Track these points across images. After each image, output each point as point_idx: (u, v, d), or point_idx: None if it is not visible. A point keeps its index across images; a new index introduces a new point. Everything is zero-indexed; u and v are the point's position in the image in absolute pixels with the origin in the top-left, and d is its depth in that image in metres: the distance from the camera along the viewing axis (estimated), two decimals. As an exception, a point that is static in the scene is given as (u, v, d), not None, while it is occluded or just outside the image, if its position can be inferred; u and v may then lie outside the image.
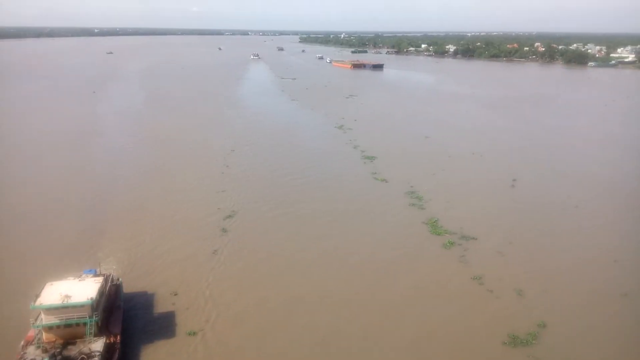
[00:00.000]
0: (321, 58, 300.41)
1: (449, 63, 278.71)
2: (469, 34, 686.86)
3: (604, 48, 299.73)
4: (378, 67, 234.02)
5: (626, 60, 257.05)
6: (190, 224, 46.05)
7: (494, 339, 29.50)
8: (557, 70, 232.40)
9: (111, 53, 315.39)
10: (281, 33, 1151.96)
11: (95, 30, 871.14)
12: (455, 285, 35.73)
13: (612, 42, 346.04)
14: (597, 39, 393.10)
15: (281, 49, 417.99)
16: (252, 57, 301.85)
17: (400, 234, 44.45)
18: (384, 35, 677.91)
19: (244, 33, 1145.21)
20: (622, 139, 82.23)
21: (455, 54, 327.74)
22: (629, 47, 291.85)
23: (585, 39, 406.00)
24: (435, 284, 36.00)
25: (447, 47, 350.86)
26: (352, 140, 79.15)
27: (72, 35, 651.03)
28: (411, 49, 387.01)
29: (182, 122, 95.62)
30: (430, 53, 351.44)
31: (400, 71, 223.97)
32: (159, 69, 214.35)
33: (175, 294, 33.95)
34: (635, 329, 30.86)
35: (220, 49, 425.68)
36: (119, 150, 73.76)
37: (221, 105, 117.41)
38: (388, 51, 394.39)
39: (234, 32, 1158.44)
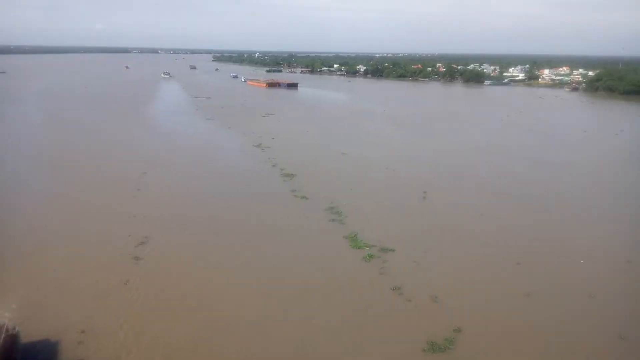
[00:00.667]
0: (235, 77, 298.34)
1: (360, 82, 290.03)
2: (377, 55, 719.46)
3: (497, 68, 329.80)
4: (293, 86, 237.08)
5: (517, 78, 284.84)
6: (98, 254, 42.70)
7: (414, 347, 30.38)
8: (458, 89, 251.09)
9: (4, 72, 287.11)
10: (193, 51, 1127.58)
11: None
12: (376, 297, 36.48)
13: (504, 62, 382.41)
14: (491, 60, 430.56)
15: (194, 68, 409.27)
16: (163, 75, 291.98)
17: (322, 250, 44.70)
18: (298, 55, 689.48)
19: (154, 51, 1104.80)
20: (517, 149, 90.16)
21: (366, 73, 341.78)
22: (518, 67, 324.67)
23: (481, 59, 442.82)
24: (358, 297, 36.50)
25: (358, 67, 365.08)
26: (271, 159, 78.90)
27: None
28: (324, 68, 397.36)
29: (86, 145, 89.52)
30: (343, 73, 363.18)
31: (315, 90, 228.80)
32: (61, 90, 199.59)
33: (83, 332, 30.98)
34: (540, 325, 33.33)
35: (127, 67, 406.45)
36: (11, 179, 67.00)
37: (131, 125, 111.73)
38: (302, 70, 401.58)
39: (142, 50, 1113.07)
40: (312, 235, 48.12)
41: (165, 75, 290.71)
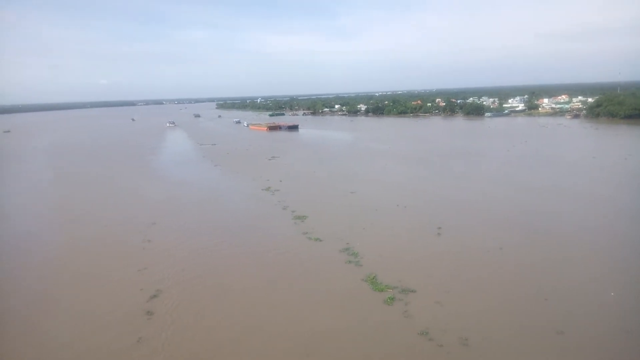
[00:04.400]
0: (239, 122, 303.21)
1: (362, 121, 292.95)
2: (377, 94, 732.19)
3: (496, 99, 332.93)
4: (293, 127, 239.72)
5: (517, 109, 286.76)
6: (108, 311, 41.26)
7: (450, 397, 28.43)
8: (459, 122, 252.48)
9: (8, 131, 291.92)
10: (197, 100, 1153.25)
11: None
12: (405, 343, 34.61)
13: (502, 93, 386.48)
14: (489, 92, 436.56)
15: (198, 116, 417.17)
16: (167, 125, 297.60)
17: (342, 295, 43.03)
18: (299, 98, 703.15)
19: (158, 102, 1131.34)
20: (526, 181, 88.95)
21: (367, 112, 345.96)
22: (517, 97, 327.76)
23: (479, 92, 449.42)
24: (386, 346, 34.63)
25: (358, 106, 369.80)
26: (281, 201, 78.14)
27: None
28: (326, 109, 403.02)
29: (93, 199, 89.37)
30: (344, 112, 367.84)
31: (317, 130, 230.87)
32: (66, 145, 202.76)
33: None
34: (578, 364, 31.35)
35: (133, 119, 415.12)
36: (21, 236, 66.34)
37: (138, 176, 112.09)
38: (304, 113, 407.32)
39: (147, 102, 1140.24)
40: (332, 278, 46.53)
41: (170, 125, 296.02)
